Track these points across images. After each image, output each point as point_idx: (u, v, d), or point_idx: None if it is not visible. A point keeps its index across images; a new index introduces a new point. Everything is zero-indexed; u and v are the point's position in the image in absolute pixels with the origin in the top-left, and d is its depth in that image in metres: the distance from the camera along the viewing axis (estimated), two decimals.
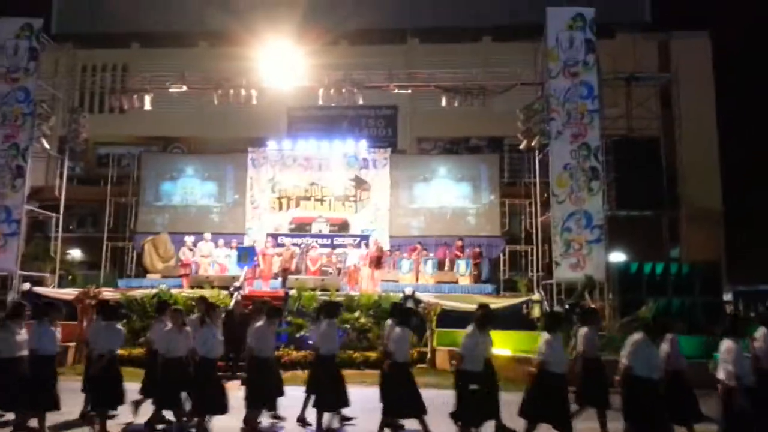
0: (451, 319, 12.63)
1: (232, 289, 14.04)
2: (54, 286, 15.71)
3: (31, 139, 15.57)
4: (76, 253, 20.19)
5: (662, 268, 13.88)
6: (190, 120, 22.13)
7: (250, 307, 10.17)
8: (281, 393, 7.73)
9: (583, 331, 7.55)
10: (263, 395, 7.36)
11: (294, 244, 16.65)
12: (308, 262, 16.16)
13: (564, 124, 14.15)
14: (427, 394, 8.14)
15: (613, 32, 20.67)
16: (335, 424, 7.55)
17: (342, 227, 18.32)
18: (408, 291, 13.46)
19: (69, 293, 14.15)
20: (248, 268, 15.40)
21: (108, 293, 13.94)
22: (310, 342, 11.35)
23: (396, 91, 16.35)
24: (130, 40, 23.06)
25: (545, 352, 6.39)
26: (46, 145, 16.43)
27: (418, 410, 6.89)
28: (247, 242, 17.45)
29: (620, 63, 17.33)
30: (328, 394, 7.30)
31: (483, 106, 16.18)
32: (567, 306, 12.05)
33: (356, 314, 13.23)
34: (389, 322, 8.10)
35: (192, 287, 14.91)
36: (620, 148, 15.26)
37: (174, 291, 14.07)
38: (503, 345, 12.09)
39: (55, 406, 7.00)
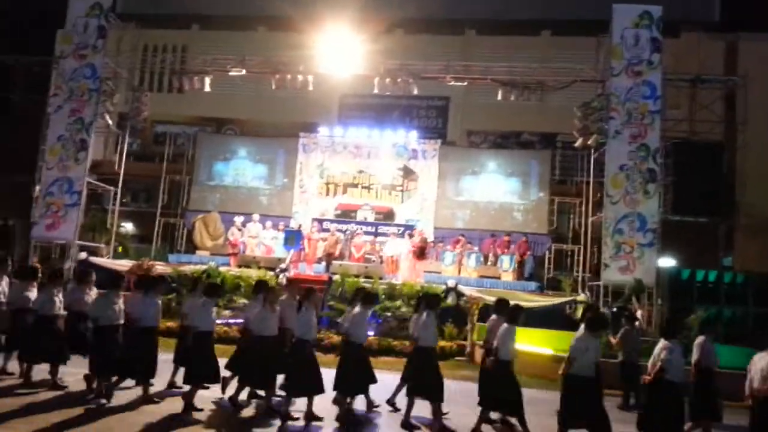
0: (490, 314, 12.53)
1: (278, 270, 14.32)
2: (109, 257, 16.34)
3: (95, 114, 16.14)
4: (129, 227, 20.90)
5: (715, 276, 13.46)
6: (244, 103, 22.52)
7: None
8: (373, 380, 7.68)
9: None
10: (354, 381, 7.43)
11: (339, 230, 16.86)
12: (352, 248, 16.33)
13: (623, 123, 13.80)
14: (464, 387, 8.23)
15: (678, 31, 19.94)
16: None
17: (387, 216, 18.39)
18: (451, 283, 13.43)
19: (123, 264, 14.71)
20: (294, 251, 15.66)
21: (160, 267, 14.41)
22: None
23: (452, 83, 16.20)
24: (190, 22, 23.57)
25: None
26: (110, 121, 17.00)
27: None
28: (293, 225, 17.73)
29: (683, 63, 16.76)
30: (426, 383, 7.21)
31: (539, 102, 15.93)
32: (614, 309, 11.82)
33: (398, 303, 13.30)
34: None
35: (239, 266, 15.29)
36: (680, 151, 14.74)
37: (222, 269, 14.45)
38: (545, 344, 11.99)
39: (153, 375, 7.43)
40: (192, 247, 17.94)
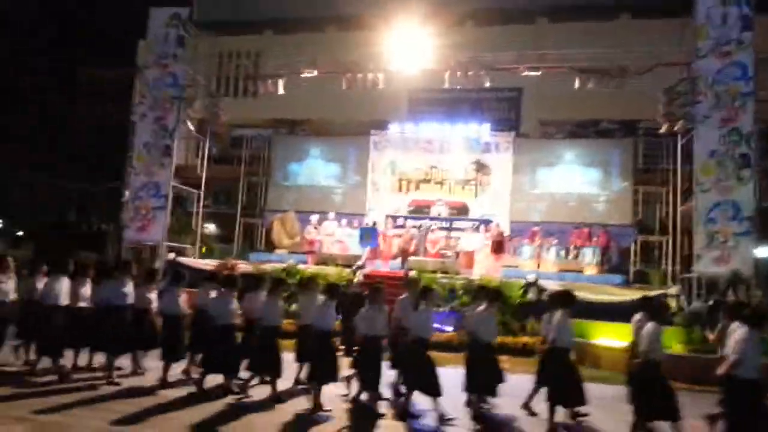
0: (576, 309, 12.12)
1: (354, 267, 14.46)
2: (195, 257, 17.03)
3: (178, 121, 16.86)
4: (211, 227, 21.72)
5: None
6: (316, 103, 22.80)
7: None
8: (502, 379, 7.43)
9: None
10: (484, 381, 7.30)
11: (414, 227, 16.82)
12: (427, 244, 16.26)
13: (712, 107, 12.96)
14: None
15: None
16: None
17: (461, 211, 18.19)
18: (531, 278, 13.08)
19: (208, 264, 15.28)
20: (369, 248, 15.76)
21: (243, 266, 14.87)
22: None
23: (525, 72, 15.77)
24: (263, 27, 24.14)
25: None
26: (191, 127, 17.72)
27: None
28: (367, 223, 17.83)
29: None
30: (565, 389, 6.90)
31: (619, 88, 15.22)
32: (712, 302, 11.14)
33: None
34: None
35: (317, 264, 15.55)
36: None
37: (300, 267, 14.74)
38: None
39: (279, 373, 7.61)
40: (271, 246, 18.42)
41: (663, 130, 14.50)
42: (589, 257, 15.02)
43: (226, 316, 7.60)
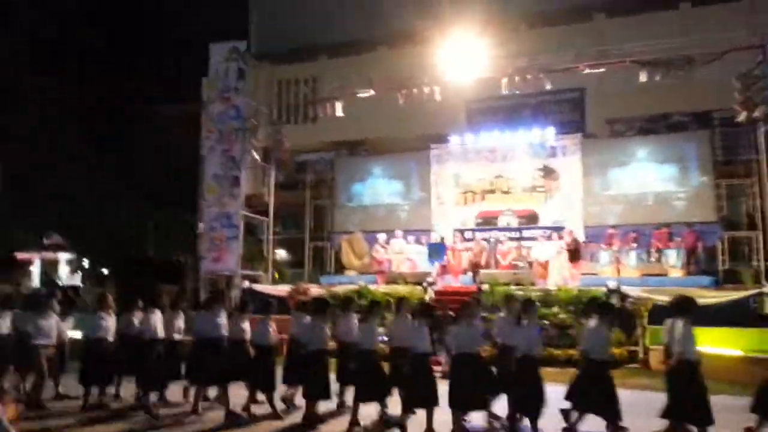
0: (663, 315, 11.49)
1: (425, 284, 14.31)
2: (269, 284, 17.36)
3: (244, 151, 17.37)
4: (282, 253, 22.13)
5: None
6: (373, 122, 22.92)
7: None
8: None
9: None
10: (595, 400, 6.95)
11: (483, 239, 16.52)
12: (498, 256, 15.92)
13: None
14: (642, 397, 7.50)
15: None
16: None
17: (530, 219, 17.70)
18: (612, 284, 12.52)
19: (281, 290, 15.54)
20: (438, 263, 15.58)
21: (314, 289, 15.02)
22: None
23: (587, 71, 15.28)
24: (318, 54, 24.61)
25: None
26: (256, 156, 18.18)
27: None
28: (434, 238, 17.66)
29: None
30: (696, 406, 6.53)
31: (687, 79, 14.48)
32: None
33: (554, 309, 12.66)
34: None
35: (387, 283, 15.50)
36: None
37: (371, 287, 14.73)
38: (730, 344, 10.74)
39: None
40: (341, 268, 18.53)
41: (741, 118, 13.64)
42: (673, 259, 14.22)
43: (318, 342, 7.56)
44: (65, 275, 24.78)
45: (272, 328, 8.33)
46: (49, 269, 24.53)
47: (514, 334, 7.06)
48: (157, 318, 8.51)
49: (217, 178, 17.39)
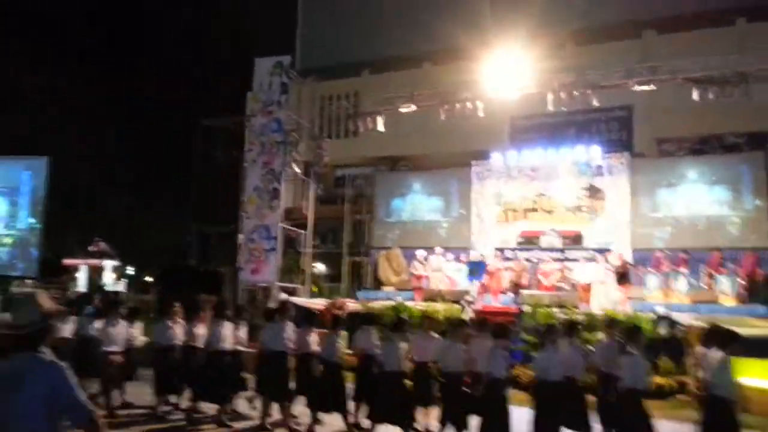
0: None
1: (463, 302, 14.01)
2: (306, 297, 17.33)
3: (284, 164, 17.48)
4: (320, 267, 22.16)
5: None
6: (415, 138, 22.87)
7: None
8: None
9: None
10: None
11: (525, 259, 16.12)
12: (540, 276, 15.51)
13: None
14: (688, 430, 7.01)
15: None
16: None
17: (575, 240, 17.17)
18: (661, 311, 11.98)
19: (318, 303, 15.45)
20: (478, 282, 15.26)
21: (351, 304, 14.89)
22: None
23: (637, 88, 14.82)
24: (361, 69, 24.78)
25: None
26: (297, 170, 18.26)
27: None
28: (473, 256, 17.33)
29: None
30: None
31: (743, 97, 13.87)
32: None
33: (599, 335, 12.15)
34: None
35: (425, 300, 15.24)
36: None
37: (408, 303, 14.50)
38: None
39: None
40: (378, 284, 18.37)
41: None
42: (726, 285, 13.53)
43: (394, 363, 7.32)
44: (110, 281, 25.36)
45: (340, 344, 8.13)
46: (95, 275, 25.15)
47: (623, 363, 6.44)
48: (225, 330, 8.28)
49: (258, 191, 17.54)
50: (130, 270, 28.27)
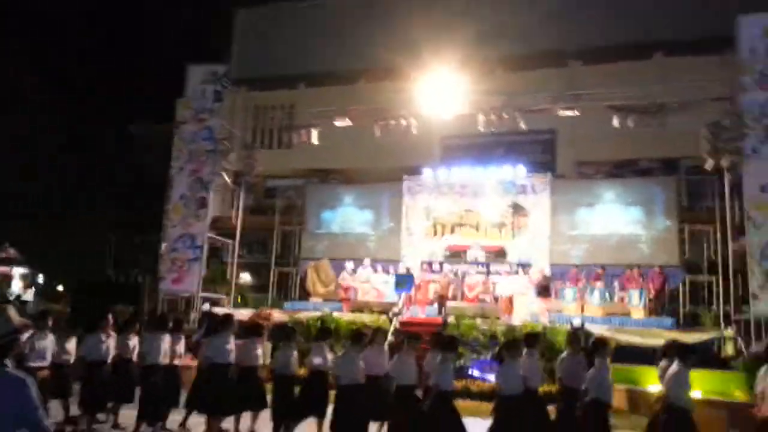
0: (625, 354, 11.49)
1: (390, 314, 14.12)
2: (230, 307, 16.92)
3: (213, 173, 17.12)
4: (246, 277, 21.70)
5: None
6: (348, 152, 22.96)
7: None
8: None
9: None
10: None
11: (451, 272, 16.45)
12: (465, 289, 15.86)
13: (761, 140, 12.53)
14: None
15: None
16: None
17: (498, 254, 17.74)
18: (576, 322, 12.51)
19: (243, 314, 15.11)
20: (405, 294, 15.43)
21: (277, 315, 14.67)
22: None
23: (561, 113, 15.60)
24: (297, 82, 24.72)
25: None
26: (227, 179, 17.93)
27: None
28: (401, 269, 17.54)
29: None
30: None
31: (657, 126, 14.90)
32: None
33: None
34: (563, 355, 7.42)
35: (352, 311, 15.25)
36: None
37: (336, 314, 14.45)
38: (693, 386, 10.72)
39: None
40: (305, 295, 18.20)
41: (708, 166, 14.01)
42: (636, 299, 14.31)
43: (351, 376, 7.17)
44: (18, 290, 23.81)
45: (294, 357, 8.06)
46: (3, 283, 23.56)
47: (588, 376, 6.52)
48: (162, 342, 8.01)
49: (184, 199, 17.07)
50: (40, 278, 26.64)
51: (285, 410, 7.67)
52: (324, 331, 8.62)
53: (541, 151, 21.36)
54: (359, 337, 7.63)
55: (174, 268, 16.57)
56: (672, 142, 17.60)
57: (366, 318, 14.02)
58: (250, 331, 8.47)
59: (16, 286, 23.56)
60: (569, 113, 15.83)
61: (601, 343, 6.90)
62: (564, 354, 7.39)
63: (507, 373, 6.72)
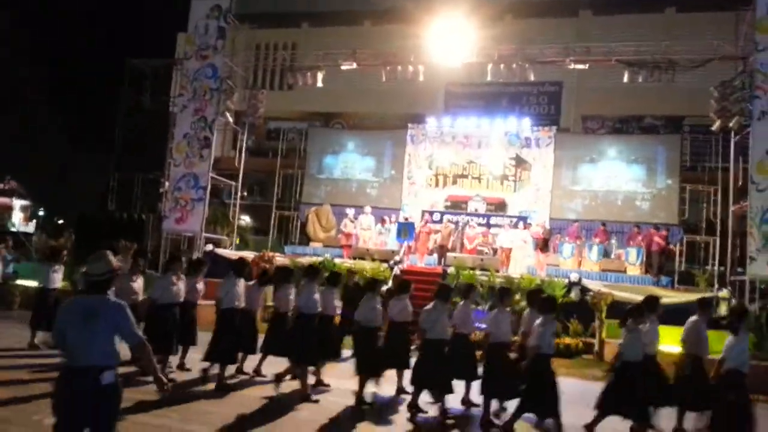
0: (620, 310, 11.80)
1: (392, 262, 14.31)
2: (232, 248, 17.09)
3: (217, 113, 16.87)
4: (247, 219, 21.80)
5: None
6: (352, 97, 22.74)
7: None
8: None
9: None
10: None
11: (450, 222, 16.59)
12: (465, 240, 16.02)
13: None
14: (593, 388, 7.53)
15: None
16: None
17: (499, 207, 17.89)
18: (574, 277, 12.76)
19: (245, 255, 15.27)
20: (407, 243, 15.60)
21: (279, 258, 14.85)
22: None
23: (572, 66, 15.37)
24: (300, 20, 24.13)
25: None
26: (230, 119, 17.71)
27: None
28: (401, 217, 17.67)
29: None
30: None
31: (665, 83, 14.73)
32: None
33: (516, 297, 12.82)
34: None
35: (353, 258, 15.44)
36: None
37: (336, 260, 14.65)
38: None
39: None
40: (306, 240, 18.38)
41: (715, 126, 13.96)
42: (634, 257, 14.57)
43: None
44: (18, 222, 23.86)
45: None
46: (4, 215, 23.58)
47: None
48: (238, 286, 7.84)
49: (188, 138, 16.86)
50: (41, 212, 26.65)
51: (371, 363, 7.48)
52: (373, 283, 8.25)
53: (546, 104, 21.23)
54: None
55: (177, 208, 16.58)
56: (679, 100, 17.53)
57: (367, 265, 14.21)
58: (330, 280, 8.31)
59: (17, 218, 23.60)
60: (580, 66, 15.56)
61: (743, 313, 6.68)
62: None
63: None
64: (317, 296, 7.63)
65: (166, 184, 17.15)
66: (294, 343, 7.41)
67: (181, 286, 7.93)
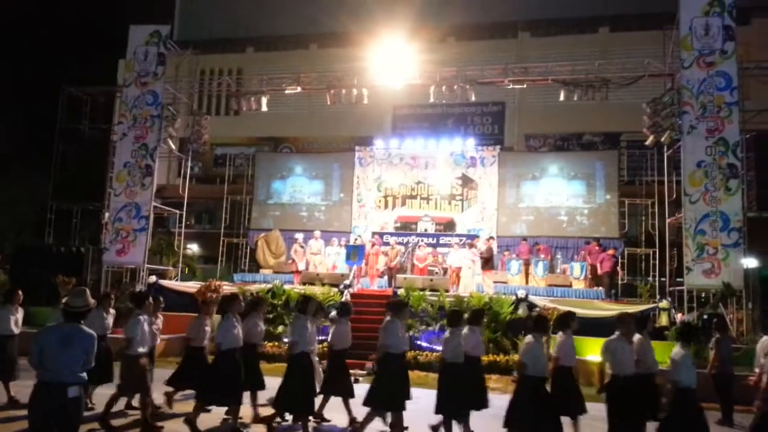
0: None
1: (342, 286, 14.19)
2: (177, 279, 16.61)
3: (158, 140, 16.53)
4: (194, 248, 21.30)
5: None
6: (299, 121, 22.68)
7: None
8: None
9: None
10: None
11: (400, 243, 16.60)
12: (415, 260, 16.02)
13: (698, 117, 13.04)
14: None
15: (748, 17, 18.86)
16: None
17: (447, 226, 18.06)
18: (521, 293, 12.93)
19: (191, 286, 14.89)
20: (356, 266, 15.49)
21: (227, 287, 14.50)
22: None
23: (511, 86, 15.77)
24: (245, 45, 24.04)
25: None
26: (172, 146, 17.36)
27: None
28: (352, 240, 17.59)
29: (754, 52, 15.76)
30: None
31: (602, 100, 15.28)
32: (705, 316, 11.05)
33: (466, 316, 12.87)
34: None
35: (303, 283, 15.22)
36: (762, 144, 13.83)
37: (286, 286, 14.40)
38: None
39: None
40: (256, 266, 18.05)
41: (649, 141, 14.53)
42: (578, 271, 14.88)
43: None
44: None
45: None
46: None
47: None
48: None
49: (129, 167, 16.46)
50: None
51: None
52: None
53: (490, 123, 21.66)
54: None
55: (118, 239, 16.07)
56: (616, 117, 18.19)
57: (317, 290, 14.03)
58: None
59: None
60: (518, 86, 16.01)
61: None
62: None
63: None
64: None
65: (107, 214, 16.61)
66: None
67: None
